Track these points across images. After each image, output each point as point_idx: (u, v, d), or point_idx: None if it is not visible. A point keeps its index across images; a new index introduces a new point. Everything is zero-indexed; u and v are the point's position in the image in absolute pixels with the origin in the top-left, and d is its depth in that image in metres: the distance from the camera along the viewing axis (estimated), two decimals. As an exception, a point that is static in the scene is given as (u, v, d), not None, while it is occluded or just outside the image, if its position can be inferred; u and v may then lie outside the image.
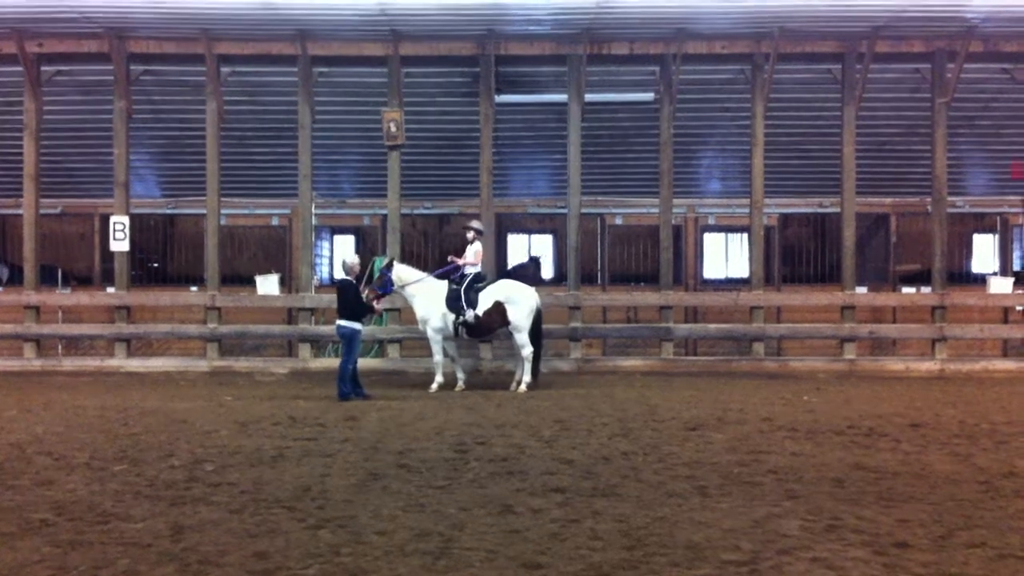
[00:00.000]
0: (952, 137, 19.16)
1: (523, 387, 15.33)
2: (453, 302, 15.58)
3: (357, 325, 14.30)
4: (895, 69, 19.11)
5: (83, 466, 8.81)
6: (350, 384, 14.18)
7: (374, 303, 15.03)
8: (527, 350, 15.55)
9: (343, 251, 23.97)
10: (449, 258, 16.43)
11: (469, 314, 15.46)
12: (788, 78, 19.02)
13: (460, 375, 15.83)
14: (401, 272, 15.95)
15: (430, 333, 15.74)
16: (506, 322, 15.61)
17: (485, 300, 15.61)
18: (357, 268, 14.76)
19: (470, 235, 16.27)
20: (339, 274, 16.07)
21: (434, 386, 15.48)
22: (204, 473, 8.47)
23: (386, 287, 15.78)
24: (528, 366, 15.54)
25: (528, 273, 22.89)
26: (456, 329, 15.65)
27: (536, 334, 15.78)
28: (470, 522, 6.70)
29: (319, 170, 19.79)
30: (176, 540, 6.28)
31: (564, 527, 6.56)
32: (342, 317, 14.27)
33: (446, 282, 15.97)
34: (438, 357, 15.72)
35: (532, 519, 6.79)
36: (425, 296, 15.81)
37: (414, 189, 20.37)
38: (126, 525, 6.67)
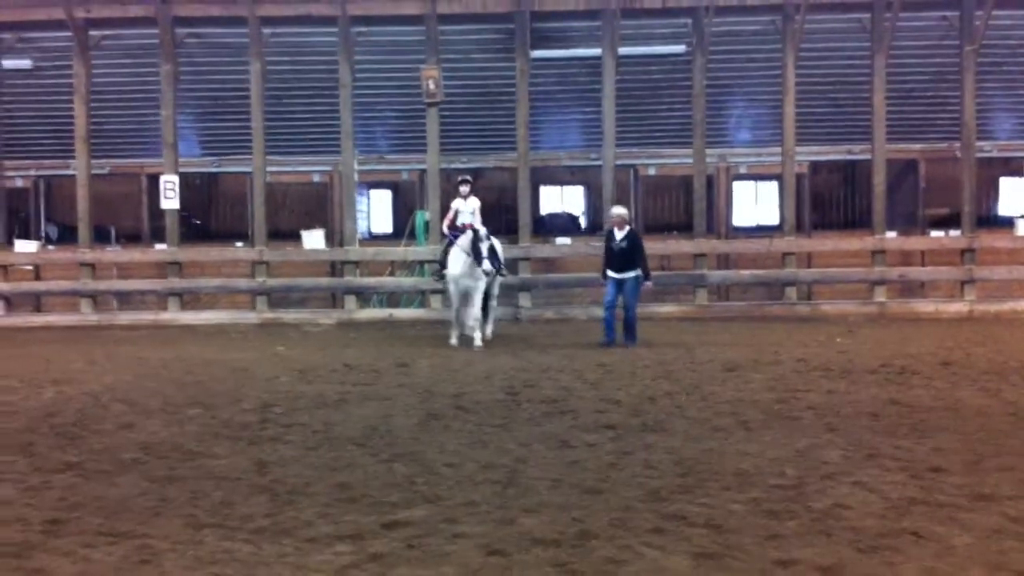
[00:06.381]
0: (980, 83, 19.32)
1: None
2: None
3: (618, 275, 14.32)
4: (924, 17, 19.27)
5: (159, 411, 9.27)
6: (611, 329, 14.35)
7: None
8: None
9: (380, 206, 24.46)
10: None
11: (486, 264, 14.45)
12: (818, 28, 19.19)
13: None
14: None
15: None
16: None
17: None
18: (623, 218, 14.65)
19: (467, 188, 15.50)
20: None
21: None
22: (275, 415, 8.94)
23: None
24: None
25: (560, 224, 23.37)
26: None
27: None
28: (531, 456, 7.14)
29: (358, 127, 20.13)
30: (262, 474, 6.71)
31: (619, 458, 7.01)
32: (623, 269, 14.31)
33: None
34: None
35: (588, 452, 7.24)
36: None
37: (451, 145, 20.70)
38: (213, 462, 7.11)
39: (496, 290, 15.49)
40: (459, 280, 14.47)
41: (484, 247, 14.18)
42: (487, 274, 14.31)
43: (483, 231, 14.39)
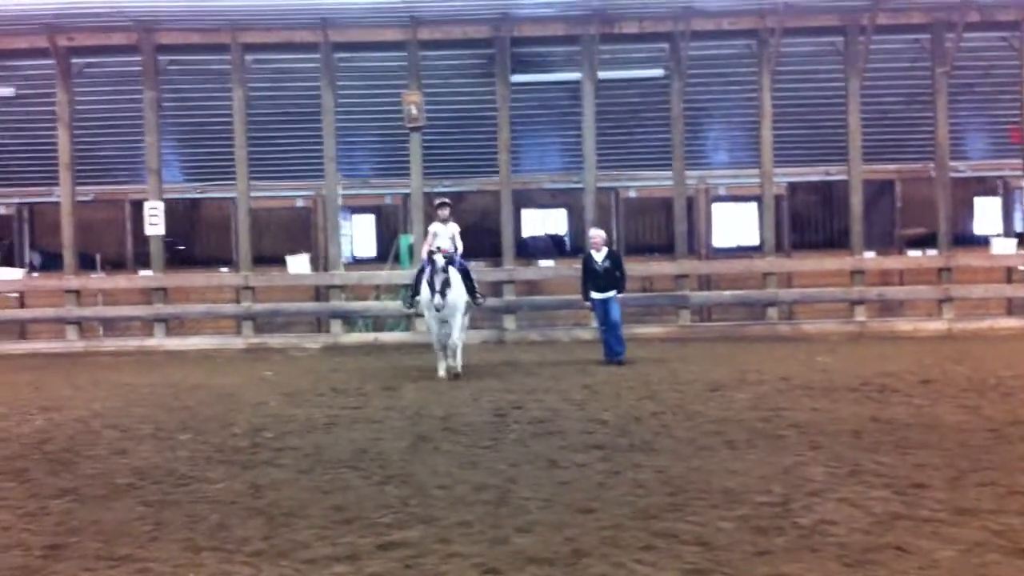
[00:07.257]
0: (953, 104, 19.63)
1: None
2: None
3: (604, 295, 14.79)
4: (896, 40, 19.58)
5: (150, 436, 9.35)
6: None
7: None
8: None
9: (363, 230, 24.56)
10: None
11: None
12: (793, 51, 19.46)
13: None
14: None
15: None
16: None
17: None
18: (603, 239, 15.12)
19: (447, 212, 14.38)
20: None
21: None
22: (265, 440, 9.02)
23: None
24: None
25: (541, 247, 23.53)
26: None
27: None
28: (521, 476, 7.23)
29: (341, 152, 20.18)
30: (257, 497, 6.79)
31: (609, 478, 7.13)
32: (606, 288, 14.79)
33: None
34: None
35: (578, 472, 7.35)
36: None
37: (433, 168, 20.79)
38: (207, 486, 7.19)
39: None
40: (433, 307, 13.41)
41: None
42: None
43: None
